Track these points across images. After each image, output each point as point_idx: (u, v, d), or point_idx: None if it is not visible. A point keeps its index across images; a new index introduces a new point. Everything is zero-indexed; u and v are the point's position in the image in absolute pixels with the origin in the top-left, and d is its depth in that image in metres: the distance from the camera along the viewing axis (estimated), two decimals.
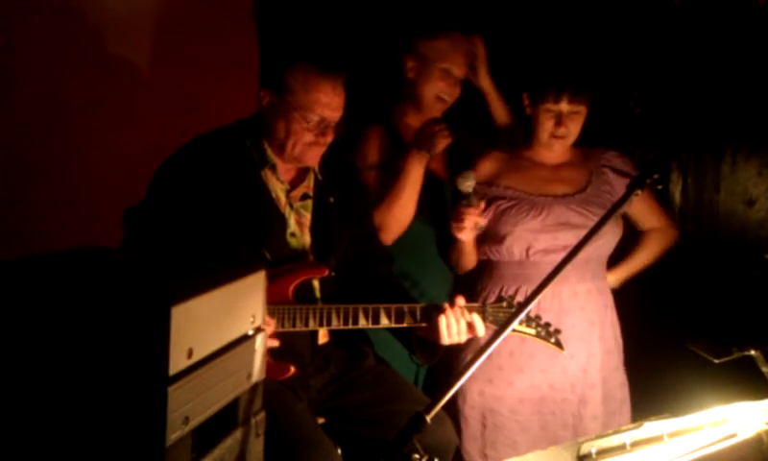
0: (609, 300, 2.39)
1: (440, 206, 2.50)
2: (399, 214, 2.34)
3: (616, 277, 2.48)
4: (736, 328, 2.16)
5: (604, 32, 2.79)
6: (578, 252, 1.57)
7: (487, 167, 2.41)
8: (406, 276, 2.40)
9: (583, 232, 1.70)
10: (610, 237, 2.32)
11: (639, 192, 1.77)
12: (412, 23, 2.54)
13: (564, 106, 2.28)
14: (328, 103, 1.95)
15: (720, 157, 2.80)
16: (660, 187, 1.82)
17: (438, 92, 2.47)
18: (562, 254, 2.18)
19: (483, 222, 2.23)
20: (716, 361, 1.95)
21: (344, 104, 1.99)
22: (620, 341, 2.40)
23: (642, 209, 2.46)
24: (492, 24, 2.90)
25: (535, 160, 2.41)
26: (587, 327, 2.30)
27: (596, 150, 2.44)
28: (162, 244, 1.92)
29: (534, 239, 2.29)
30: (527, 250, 2.30)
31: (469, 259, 2.39)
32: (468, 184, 2.17)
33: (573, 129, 2.33)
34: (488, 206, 2.32)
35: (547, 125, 2.32)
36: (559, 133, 2.32)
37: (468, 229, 2.22)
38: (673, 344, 2.41)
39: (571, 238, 2.22)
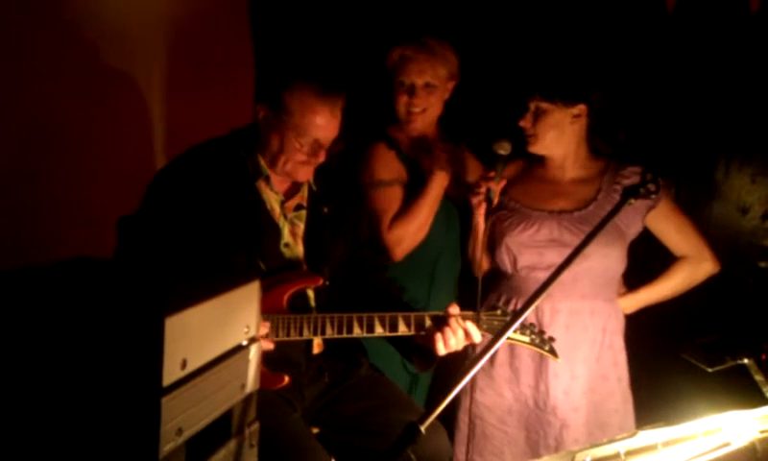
0: (611, 323, 2.29)
1: (446, 223, 2.51)
2: (418, 231, 2.38)
3: (630, 302, 2.37)
4: (730, 337, 2.16)
5: (595, 38, 2.80)
6: (567, 266, 1.56)
7: (507, 172, 2.37)
8: (411, 294, 2.42)
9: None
10: (604, 258, 2.23)
11: (633, 201, 1.77)
12: (403, 33, 2.52)
13: (531, 104, 2.26)
14: (324, 126, 1.95)
15: (714, 166, 2.81)
16: (653, 196, 1.80)
17: (402, 107, 2.46)
18: (546, 272, 2.15)
19: (495, 188, 2.18)
20: (710, 370, 1.96)
21: (339, 125, 1.99)
22: (623, 368, 2.32)
23: (670, 231, 2.31)
24: (488, 28, 2.93)
25: (548, 173, 2.36)
26: (570, 347, 2.22)
27: (620, 165, 2.32)
28: (156, 254, 1.92)
29: (518, 253, 2.28)
30: (514, 263, 2.30)
31: (480, 250, 2.34)
32: (501, 147, 2.18)
33: (540, 129, 2.26)
34: (493, 213, 2.31)
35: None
36: (526, 131, 2.28)
37: (481, 194, 2.19)
38: (667, 353, 2.41)
39: (557, 257, 2.17)
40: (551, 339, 2.04)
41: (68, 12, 2.50)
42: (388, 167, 2.43)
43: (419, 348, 2.01)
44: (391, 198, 2.39)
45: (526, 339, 2.02)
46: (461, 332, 1.92)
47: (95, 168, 2.54)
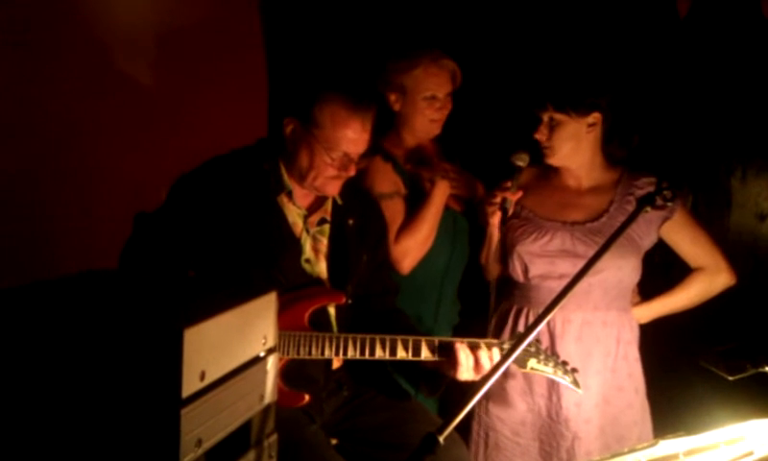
0: (625, 334, 2.27)
1: (453, 235, 2.50)
2: (424, 241, 2.37)
3: (644, 313, 2.36)
4: (748, 345, 2.13)
5: (609, 45, 2.80)
6: (580, 279, 1.54)
7: (521, 180, 2.35)
8: (419, 308, 2.41)
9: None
10: (618, 269, 2.21)
11: (649, 209, 1.76)
12: (391, 46, 2.52)
13: (544, 115, 2.25)
14: (355, 139, 1.94)
15: (730, 172, 2.80)
16: (669, 204, 1.78)
17: (429, 118, 2.46)
18: (559, 282, 2.18)
19: (511, 198, 2.21)
20: (731, 378, 1.94)
21: (369, 139, 1.99)
22: (639, 379, 2.30)
23: (685, 242, 2.29)
24: (494, 37, 2.93)
25: (562, 183, 2.34)
26: (582, 358, 2.19)
27: (633, 175, 2.31)
28: (167, 253, 1.92)
29: (530, 262, 2.26)
30: (525, 272, 2.28)
31: (493, 257, 2.33)
32: (519, 158, 2.22)
33: (556, 141, 2.23)
34: (506, 221, 2.31)
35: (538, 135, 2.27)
36: (541, 143, 2.26)
37: (497, 203, 2.20)
38: (686, 361, 2.39)
39: (570, 267, 2.16)
40: (574, 370, 2.00)
41: (78, 15, 2.51)
42: (387, 180, 2.42)
43: (428, 373, 1.99)
44: (393, 210, 2.38)
45: (549, 370, 1.98)
46: (485, 358, 1.87)
47: (110, 179, 2.55)
